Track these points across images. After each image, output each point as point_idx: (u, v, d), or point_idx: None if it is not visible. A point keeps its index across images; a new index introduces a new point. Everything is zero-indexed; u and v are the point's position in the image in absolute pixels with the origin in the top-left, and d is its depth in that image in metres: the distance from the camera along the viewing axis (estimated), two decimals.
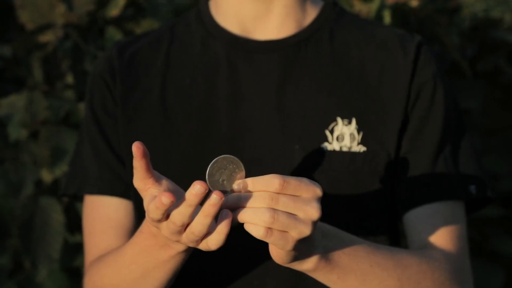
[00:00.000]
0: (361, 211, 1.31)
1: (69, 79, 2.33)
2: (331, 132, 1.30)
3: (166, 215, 1.08)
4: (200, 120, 1.32)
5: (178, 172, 1.30)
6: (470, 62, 2.60)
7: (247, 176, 1.10)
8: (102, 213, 1.34)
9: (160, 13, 2.45)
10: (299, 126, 1.30)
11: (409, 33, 1.39)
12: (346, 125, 1.31)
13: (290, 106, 1.31)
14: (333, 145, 1.30)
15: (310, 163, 1.30)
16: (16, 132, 2.28)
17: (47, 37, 2.35)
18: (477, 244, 2.55)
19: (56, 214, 2.24)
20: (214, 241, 1.08)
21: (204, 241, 1.09)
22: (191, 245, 1.11)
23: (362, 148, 1.31)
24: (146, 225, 1.20)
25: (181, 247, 1.17)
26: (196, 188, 1.04)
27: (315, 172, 1.29)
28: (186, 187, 1.29)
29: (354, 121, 1.31)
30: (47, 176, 2.24)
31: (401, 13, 2.38)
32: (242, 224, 1.18)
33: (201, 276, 1.31)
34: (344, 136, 1.30)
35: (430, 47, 1.38)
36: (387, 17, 2.32)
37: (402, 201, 1.33)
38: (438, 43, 2.46)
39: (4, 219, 2.33)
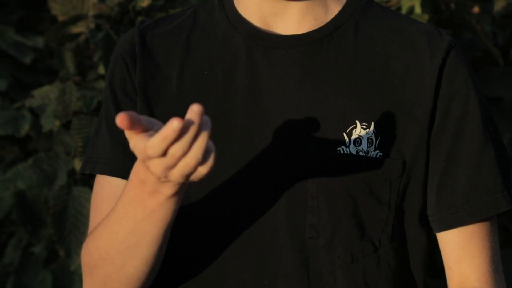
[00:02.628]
0: (371, 217, 1.28)
1: (101, 69, 2.34)
2: (349, 135, 1.27)
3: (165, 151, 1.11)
4: (217, 113, 1.30)
5: None
6: (501, 50, 2.58)
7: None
8: (110, 192, 1.33)
9: (189, 2, 2.46)
10: (317, 127, 1.28)
11: (439, 29, 1.33)
12: (364, 128, 1.27)
13: (308, 105, 1.28)
14: (349, 149, 1.27)
15: (326, 165, 1.27)
16: (50, 123, 2.31)
17: (79, 28, 2.37)
18: (511, 233, 2.55)
19: (89, 204, 2.26)
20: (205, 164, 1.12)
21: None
22: (181, 180, 1.13)
23: (379, 154, 1.28)
24: (134, 171, 1.20)
25: (169, 190, 1.17)
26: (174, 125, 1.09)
27: (330, 174, 1.27)
28: (200, 181, 1.27)
29: (372, 125, 1.27)
30: (79, 166, 2.26)
31: (432, 1, 2.37)
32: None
33: (211, 276, 1.31)
34: (361, 140, 1.27)
35: (460, 47, 1.32)
36: (417, 6, 2.30)
37: (437, 220, 1.30)
38: (470, 31, 2.45)
39: (38, 209, 2.36)
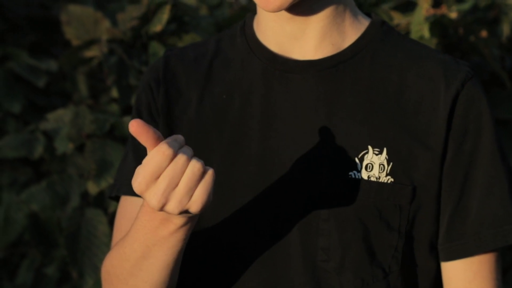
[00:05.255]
0: (381, 242, 1.29)
1: (114, 93, 2.37)
2: (361, 160, 1.29)
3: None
4: (233, 138, 1.32)
5: None
6: (509, 73, 2.60)
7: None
8: (131, 212, 1.35)
9: (201, 27, 2.48)
10: (330, 152, 1.29)
11: (458, 60, 1.33)
12: (376, 154, 1.29)
13: (322, 129, 1.30)
14: (361, 174, 1.29)
15: (338, 190, 1.29)
16: (63, 146, 2.33)
17: (92, 52, 2.39)
18: None
19: (101, 225, 2.29)
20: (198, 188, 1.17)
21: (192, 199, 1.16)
22: (180, 206, 1.16)
23: (390, 179, 1.29)
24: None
25: (180, 221, 1.20)
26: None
27: (342, 199, 1.29)
28: (216, 203, 1.30)
29: (385, 151, 1.29)
30: (92, 188, 2.29)
31: (440, 26, 2.38)
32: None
33: None
34: (373, 166, 1.29)
35: (477, 78, 1.32)
36: (426, 31, 2.31)
37: (446, 249, 1.32)
38: (478, 54, 2.46)
39: (52, 230, 2.38)
